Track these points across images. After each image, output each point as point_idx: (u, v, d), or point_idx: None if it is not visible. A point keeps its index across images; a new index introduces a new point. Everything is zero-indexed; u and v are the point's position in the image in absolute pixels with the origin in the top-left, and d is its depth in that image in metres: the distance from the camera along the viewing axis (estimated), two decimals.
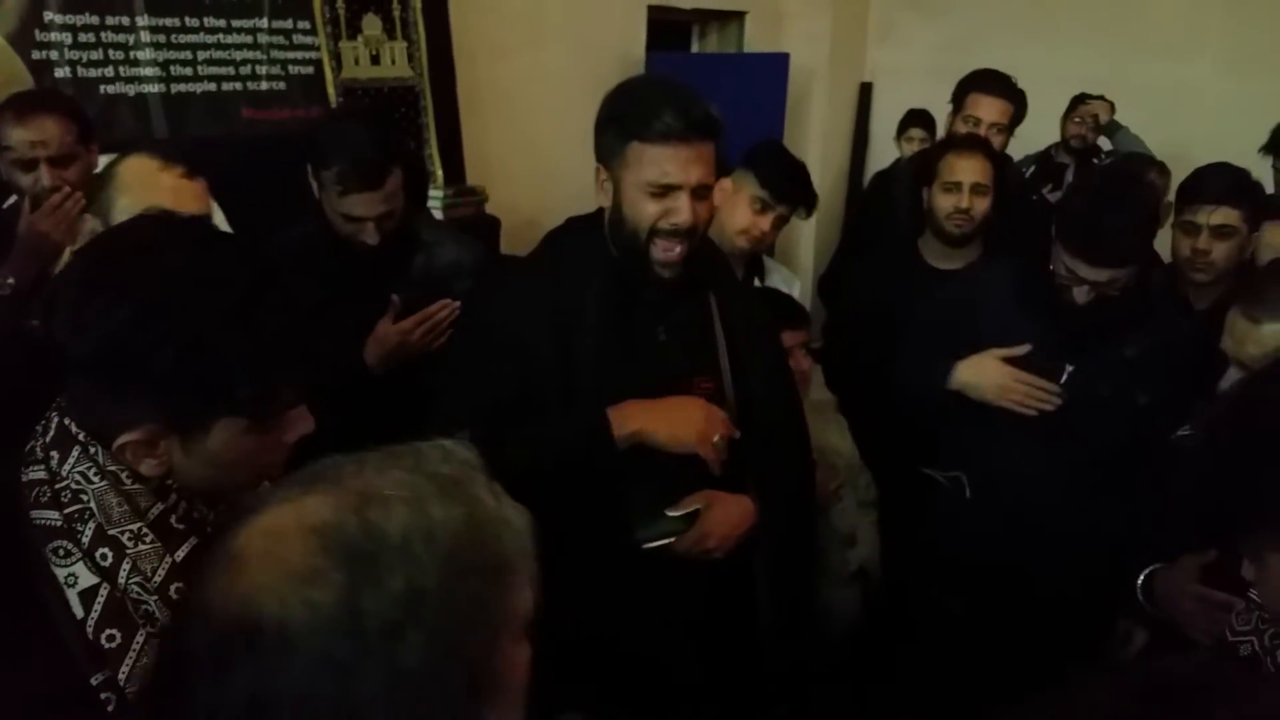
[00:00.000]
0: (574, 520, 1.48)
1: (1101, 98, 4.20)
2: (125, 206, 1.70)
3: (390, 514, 0.68)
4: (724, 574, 1.70)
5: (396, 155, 2.11)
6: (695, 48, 5.37)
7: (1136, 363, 2.04)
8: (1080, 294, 1.98)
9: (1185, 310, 2.36)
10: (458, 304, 2.08)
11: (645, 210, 1.57)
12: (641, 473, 1.61)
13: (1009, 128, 3.06)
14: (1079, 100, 4.24)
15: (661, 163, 1.54)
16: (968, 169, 2.55)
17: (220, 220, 2.50)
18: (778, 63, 4.97)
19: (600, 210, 1.68)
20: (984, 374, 2.09)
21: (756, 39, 5.27)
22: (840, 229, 5.27)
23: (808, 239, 5.52)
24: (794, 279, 2.80)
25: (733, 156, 2.54)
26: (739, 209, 2.45)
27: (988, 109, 3.03)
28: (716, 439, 1.62)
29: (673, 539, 1.62)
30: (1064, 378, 2.05)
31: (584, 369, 1.61)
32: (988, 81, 3.09)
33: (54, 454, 0.98)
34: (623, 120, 1.56)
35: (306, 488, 0.71)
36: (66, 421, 0.98)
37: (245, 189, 2.63)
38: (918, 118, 4.60)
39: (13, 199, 2.25)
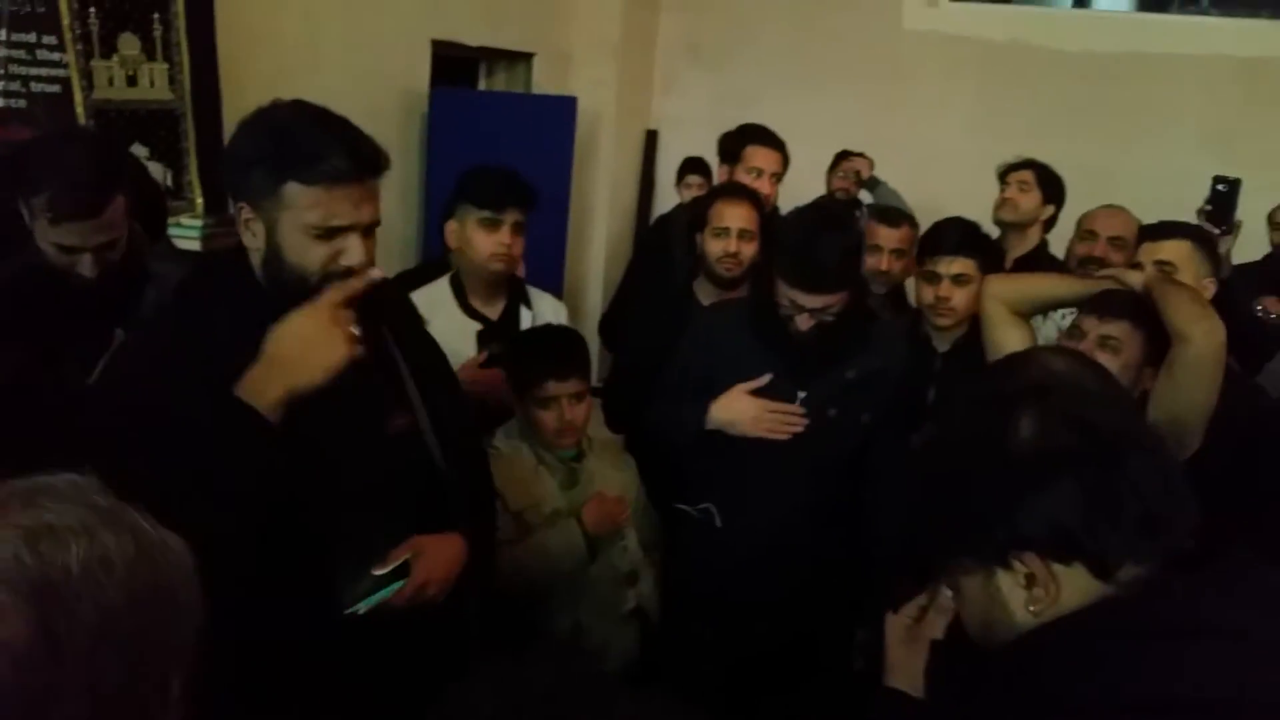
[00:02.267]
0: (272, 595, 1.38)
1: (862, 155, 4.51)
2: None
3: (66, 546, 0.68)
4: (438, 615, 1.62)
5: (118, 179, 1.95)
6: (483, 85, 5.37)
7: (858, 384, 2.23)
8: (802, 321, 2.14)
9: (929, 352, 2.57)
10: None
11: (313, 254, 1.44)
12: (347, 537, 1.51)
13: (778, 177, 3.24)
14: (842, 156, 4.54)
15: (329, 204, 1.42)
16: (735, 215, 2.67)
17: None
18: (565, 105, 5.04)
19: (238, 250, 1.54)
20: (736, 409, 2.22)
21: (544, 81, 5.34)
22: (624, 271, 5.38)
23: (596, 279, 5.61)
24: (561, 306, 2.82)
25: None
26: (475, 239, 2.46)
27: (765, 159, 3.20)
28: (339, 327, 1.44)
29: (388, 596, 1.51)
30: (797, 404, 2.21)
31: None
32: (761, 134, 3.27)
33: None
34: (279, 160, 1.42)
35: None
36: None
37: None
38: (695, 165, 4.78)
39: None
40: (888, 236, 2.94)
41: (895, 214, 3.06)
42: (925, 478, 1.05)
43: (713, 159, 4.05)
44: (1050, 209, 3.31)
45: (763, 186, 3.12)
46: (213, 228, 3.31)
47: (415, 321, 1.83)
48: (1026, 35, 4.86)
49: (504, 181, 2.50)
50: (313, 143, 1.41)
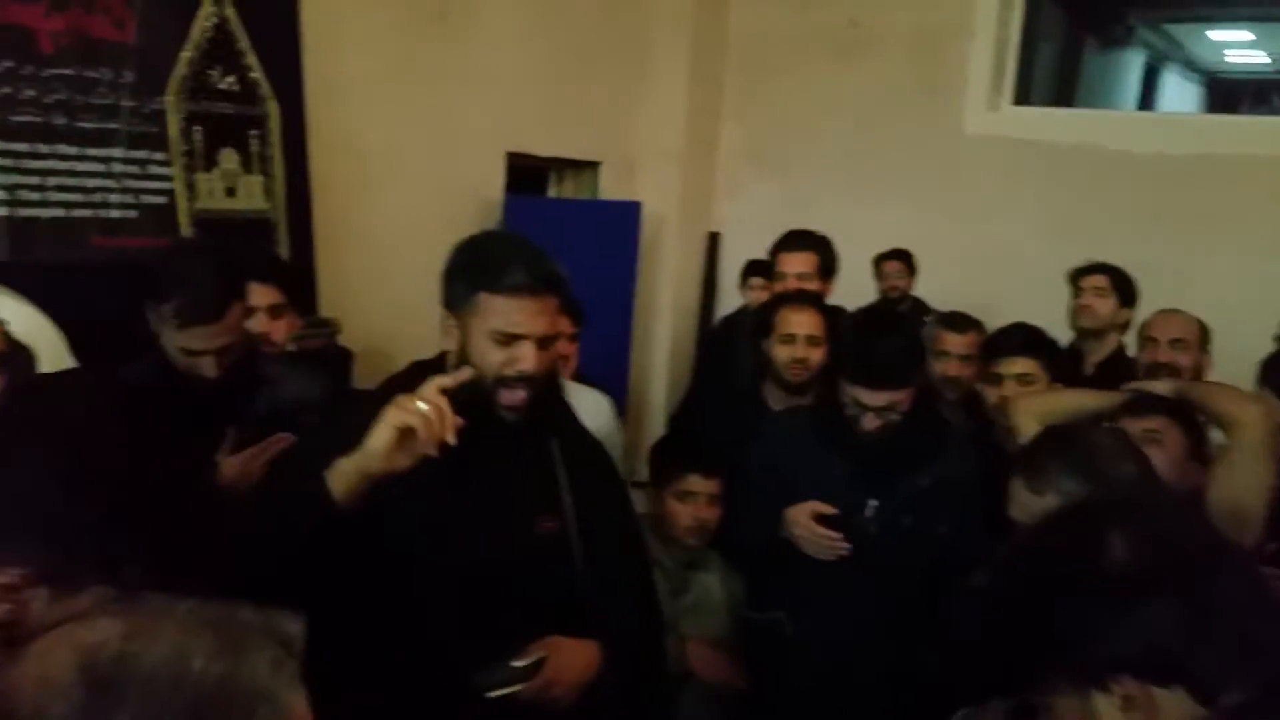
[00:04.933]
0: (411, 671, 1.47)
1: (898, 255, 4.62)
2: None
3: (149, 650, 0.71)
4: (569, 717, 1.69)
5: (237, 288, 2.12)
6: (552, 193, 5.58)
7: (932, 493, 2.23)
8: (868, 421, 2.17)
9: (1000, 456, 2.58)
10: (293, 438, 2.06)
11: (492, 358, 1.63)
12: (480, 625, 1.61)
13: (818, 276, 3.26)
14: (878, 261, 4.66)
15: (509, 314, 1.61)
16: (801, 322, 2.74)
17: (61, 349, 2.44)
18: (630, 210, 5.21)
19: (442, 354, 1.74)
20: (793, 525, 2.25)
21: (610, 187, 5.52)
22: (690, 370, 5.47)
23: (660, 377, 5.70)
24: (604, 402, 2.83)
25: (587, 298, 2.65)
26: None
27: (789, 263, 3.25)
28: (426, 403, 1.51)
29: (518, 688, 1.60)
30: (869, 513, 2.21)
31: (422, 507, 1.59)
32: (788, 240, 3.32)
33: None
34: (472, 272, 1.64)
35: (115, 610, 0.75)
36: None
37: (93, 317, 2.59)
38: (758, 267, 4.88)
39: None
40: (955, 342, 2.98)
41: (962, 320, 3.10)
42: (1007, 596, 1.04)
43: None
44: (1127, 313, 3.34)
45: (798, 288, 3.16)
46: (303, 330, 3.46)
47: (578, 426, 1.93)
48: (1093, 138, 4.91)
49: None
50: (501, 259, 1.63)
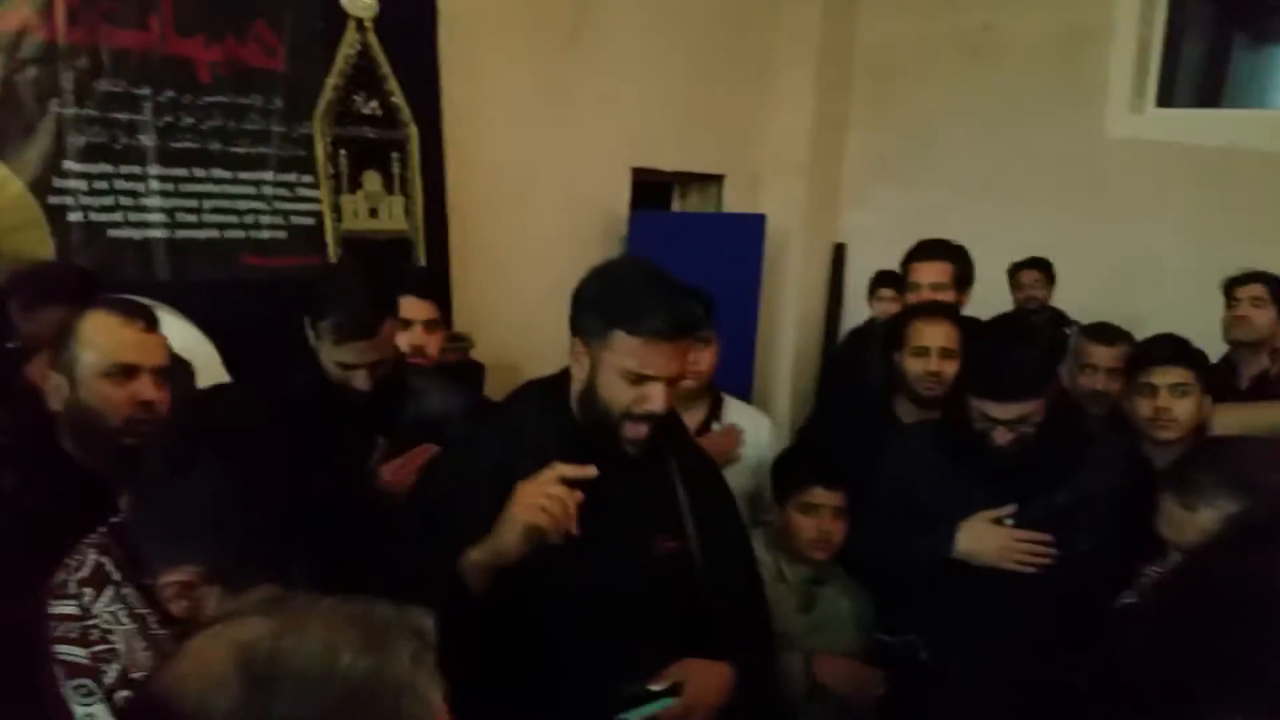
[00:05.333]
0: (544, 696, 1.49)
1: (1036, 264, 4.44)
2: (90, 362, 1.75)
3: (300, 647, 0.74)
4: None
5: (389, 306, 2.22)
6: (676, 207, 5.61)
7: (1071, 509, 2.13)
8: (999, 435, 2.08)
9: (1148, 471, 2.46)
10: (438, 449, 2.13)
11: (621, 394, 1.63)
12: (607, 648, 1.61)
13: (953, 286, 3.18)
14: (1014, 270, 4.49)
15: (645, 356, 1.60)
16: (935, 334, 2.67)
17: (216, 363, 2.59)
18: (754, 223, 5.19)
19: (563, 374, 1.74)
20: (983, 539, 2.15)
21: (734, 200, 5.52)
22: (816, 382, 5.41)
23: (784, 389, 5.66)
24: (764, 421, 2.84)
25: (715, 308, 2.65)
26: None
27: (924, 272, 3.17)
28: (543, 504, 1.52)
29: (658, 710, 1.59)
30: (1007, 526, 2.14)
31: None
32: (921, 249, 3.24)
33: (87, 591, 1.02)
34: (611, 309, 1.62)
35: (263, 609, 0.79)
36: (103, 560, 1.04)
37: (245, 333, 2.73)
38: (887, 278, 4.80)
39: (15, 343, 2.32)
40: (1103, 355, 2.85)
41: (1109, 331, 2.97)
42: (1170, 620, 1.01)
43: None
44: None
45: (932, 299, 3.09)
46: (443, 345, 3.58)
47: (692, 444, 1.94)
48: (1244, 140, 4.65)
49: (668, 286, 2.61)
50: (642, 300, 1.61)
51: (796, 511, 2.28)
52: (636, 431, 1.66)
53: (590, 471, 1.55)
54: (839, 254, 5.88)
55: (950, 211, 5.00)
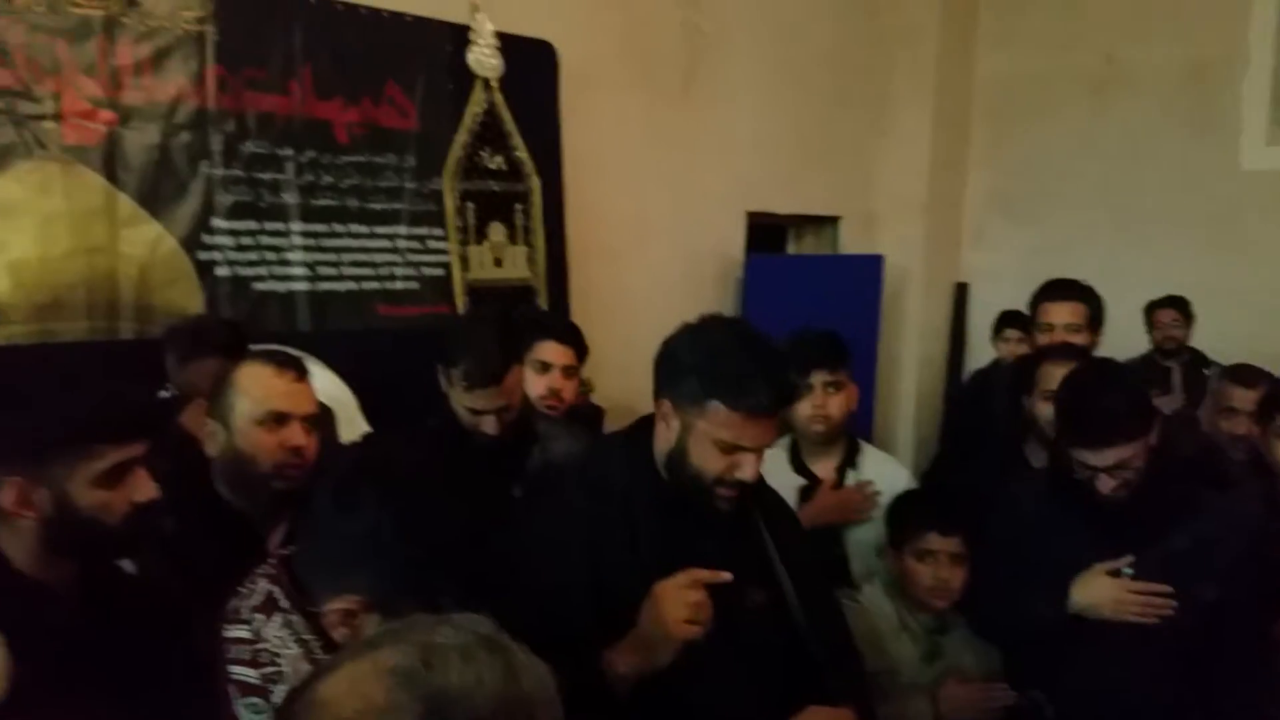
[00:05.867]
0: None
1: (1172, 303, 4.27)
2: (244, 410, 1.86)
3: (448, 660, 0.80)
4: None
5: (516, 354, 2.30)
6: (791, 249, 5.62)
7: (1191, 555, 2.03)
8: (1103, 484, 2.01)
9: None
10: None
11: (714, 463, 1.61)
12: (708, 705, 1.60)
13: (1087, 327, 3.08)
14: (1151, 309, 4.33)
15: (742, 429, 1.58)
16: None
17: (354, 409, 2.70)
18: (872, 263, 5.16)
19: (642, 426, 1.74)
20: (1097, 592, 2.08)
21: (850, 241, 5.50)
22: (939, 426, 5.30)
23: (906, 434, 5.56)
24: (901, 470, 2.79)
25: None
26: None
27: (1057, 313, 3.07)
28: (689, 616, 1.53)
29: None
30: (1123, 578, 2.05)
31: (631, 583, 1.59)
32: (1054, 288, 3.15)
33: (258, 617, 1.11)
34: (710, 379, 1.59)
35: (374, 644, 0.83)
36: (273, 589, 1.12)
37: (380, 379, 2.86)
38: (1012, 318, 4.70)
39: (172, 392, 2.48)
40: (1244, 398, 2.73)
41: (1250, 372, 2.84)
42: None
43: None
44: None
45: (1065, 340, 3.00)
46: None
47: (771, 491, 1.93)
48: None
49: (806, 344, 2.61)
50: (744, 374, 1.58)
51: (912, 558, 2.24)
52: (728, 494, 1.65)
53: (725, 577, 1.54)
54: (960, 294, 5.79)
55: (1076, 249, 4.89)
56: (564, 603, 1.59)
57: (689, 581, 1.52)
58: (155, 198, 2.90)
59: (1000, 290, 5.15)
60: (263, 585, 1.19)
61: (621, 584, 1.59)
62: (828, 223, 5.52)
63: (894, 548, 2.30)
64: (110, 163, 2.81)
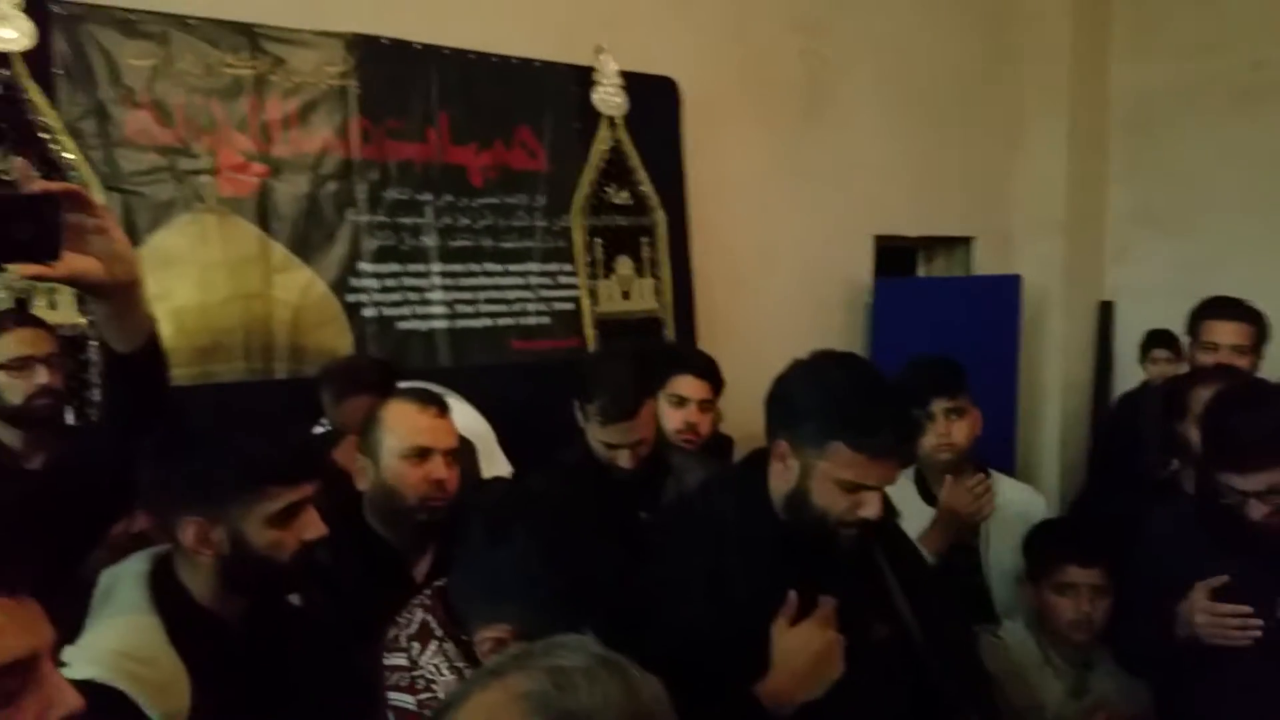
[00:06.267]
0: None
1: None
2: (391, 445, 1.96)
3: (575, 681, 0.82)
4: None
5: (649, 389, 2.34)
6: (921, 272, 5.51)
7: None
8: (1254, 510, 1.90)
9: None
10: None
11: (837, 503, 1.59)
12: None
13: (1252, 349, 2.93)
14: None
15: (866, 470, 1.57)
16: None
17: (493, 442, 2.79)
18: (1009, 284, 5.00)
19: (753, 464, 1.72)
20: (1195, 615, 1.99)
21: (985, 262, 5.36)
22: (1086, 452, 5.09)
23: (1051, 460, 5.36)
24: (1035, 496, 2.73)
25: (969, 375, 2.59)
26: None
27: (1223, 333, 2.92)
28: (831, 645, 1.55)
29: None
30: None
31: (752, 623, 1.58)
32: (1219, 306, 3.00)
33: (415, 645, 1.18)
34: (832, 420, 1.58)
35: (499, 672, 0.86)
36: (428, 618, 1.19)
37: (514, 412, 2.94)
38: (1160, 338, 4.49)
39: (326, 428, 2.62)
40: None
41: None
42: None
43: (1180, 330, 3.81)
44: None
45: (1228, 362, 2.85)
46: None
47: (895, 526, 1.90)
48: None
49: (924, 372, 2.58)
50: (868, 416, 1.57)
51: (1051, 592, 2.17)
52: (851, 533, 1.63)
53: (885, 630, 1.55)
54: (1105, 313, 5.56)
55: (1228, 264, 4.64)
56: (693, 641, 1.58)
57: (821, 620, 1.53)
58: (305, 244, 3.08)
59: (1148, 308, 4.93)
60: (419, 615, 1.27)
61: (743, 623, 1.58)
62: (960, 243, 5.40)
63: (1032, 581, 2.23)
64: (263, 213, 3.00)
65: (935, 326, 4.40)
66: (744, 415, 4.04)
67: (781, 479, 1.66)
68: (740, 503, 1.72)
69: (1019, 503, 2.59)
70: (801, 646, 1.53)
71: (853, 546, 1.67)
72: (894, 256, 5.20)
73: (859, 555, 1.71)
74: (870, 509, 1.59)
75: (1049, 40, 5.23)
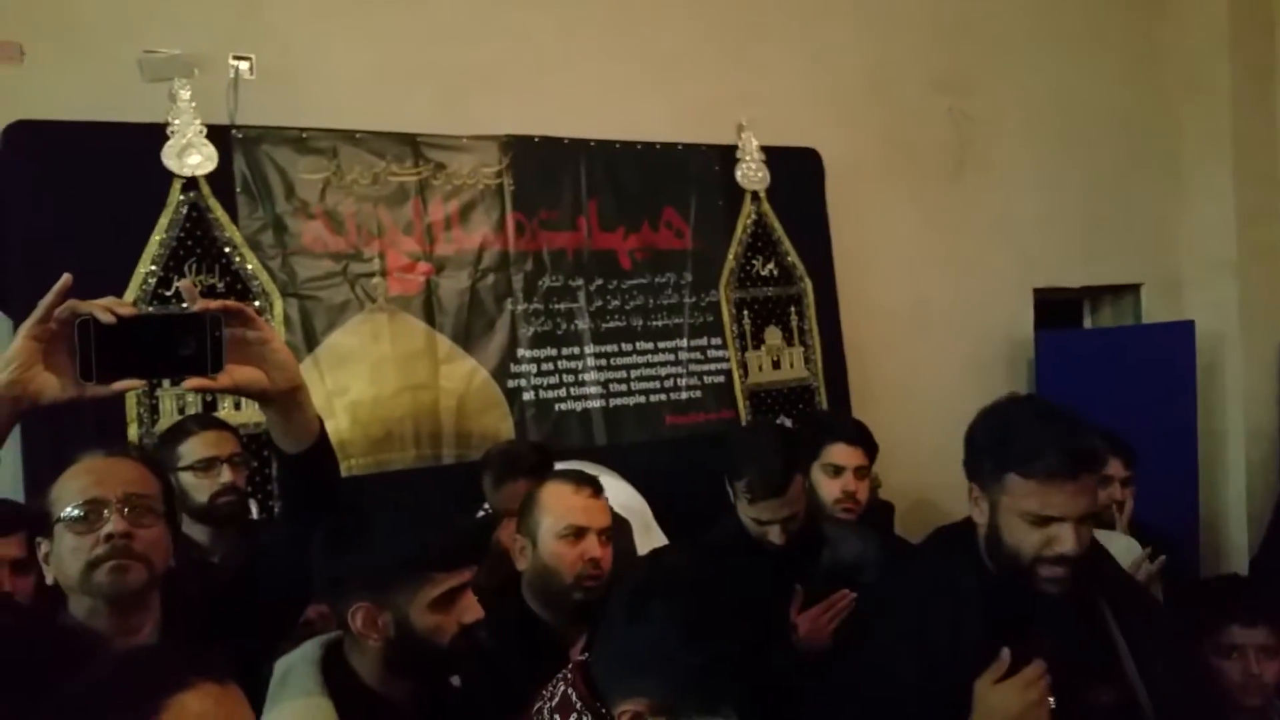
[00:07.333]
0: None
1: None
2: (548, 526, 2.05)
3: None
4: None
5: (797, 464, 2.37)
6: (1087, 323, 5.32)
7: None
8: None
9: None
10: (854, 595, 2.21)
11: (1027, 539, 1.57)
12: None
13: None
14: None
15: (1044, 497, 1.55)
16: None
17: (648, 517, 2.87)
18: (1182, 331, 4.76)
19: (968, 520, 1.71)
20: None
21: (1155, 309, 5.13)
22: (1273, 505, 4.75)
23: (1238, 514, 5.02)
24: (1133, 546, 2.53)
25: (1140, 432, 2.49)
26: None
27: None
28: (1040, 696, 1.50)
29: None
30: None
31: (956, 678, 1.55)
32: None
33: (556, 717, 1.26)
34: (1001, 451, 1.59)
35: None
36: (570, 691, 1.27)
37: (670, 486, 3.02)
38: None
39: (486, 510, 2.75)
40: None
41: None
42: None
43: None
44: None
45: None
46: None
47: (1124, 576, 1.84)
48: None
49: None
50: (1032, 440, 1.57)
51: (1216, 655, 2.04)
52: (1053, 573, 1.58)
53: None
54: None
55: None
56: (896, 699, 1.59)
57: (1026, 681, 1.49)
58: (468, 336, 3.28)
59: None
60: (561, 688, 1.35)
61: (947, 677, 1.56)
62: (1127, 291, 5.19)
63: (1196, 641, 2.11)
64: (429, 308, 3.21)
65: (1106, 379, 4.25)
66: (905, 479, 4.01)
67: (979, 524, 1.67)
68: (949, 557, 1.73)
69: (1119, 552, 2.46)
70: (1001, 705, 1.50)
71: (1072, 595, 1.61)
72: (1059, 309, 5.05)
73: (1082, 609, 1.66)
74: (1065, 544, 1.55)
75: (1207, 77, 5.02)
